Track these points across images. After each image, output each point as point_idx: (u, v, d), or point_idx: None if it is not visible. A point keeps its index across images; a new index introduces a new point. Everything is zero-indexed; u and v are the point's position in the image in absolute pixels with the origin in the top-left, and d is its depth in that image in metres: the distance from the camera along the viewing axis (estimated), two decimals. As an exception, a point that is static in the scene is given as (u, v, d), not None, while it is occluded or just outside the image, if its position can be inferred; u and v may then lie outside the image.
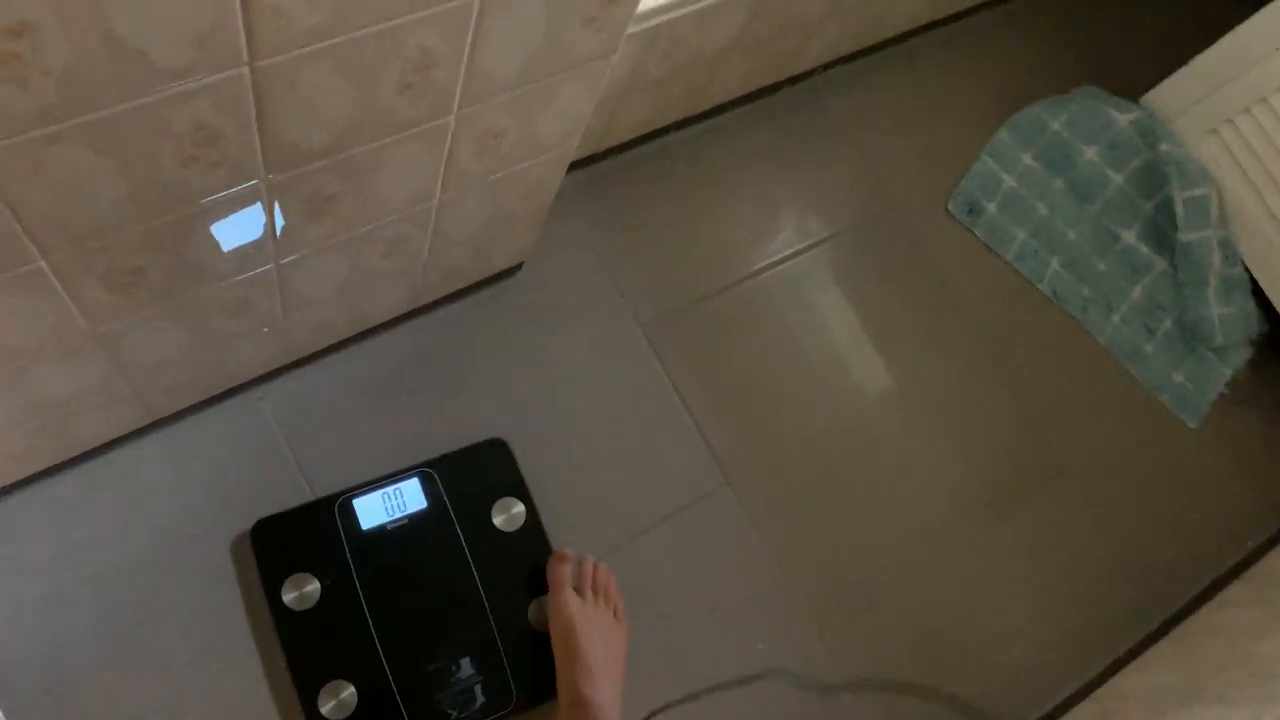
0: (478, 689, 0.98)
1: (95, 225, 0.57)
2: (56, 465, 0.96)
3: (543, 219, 1.04)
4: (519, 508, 1.06)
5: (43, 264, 0.58)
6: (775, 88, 1.34)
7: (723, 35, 1.08)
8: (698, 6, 0.97)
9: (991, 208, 1.38)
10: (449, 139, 0.70)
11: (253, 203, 0.62)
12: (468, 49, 0.58)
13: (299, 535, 1.00)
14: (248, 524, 0.99)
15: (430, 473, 1.05)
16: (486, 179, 0.84)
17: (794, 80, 1.35)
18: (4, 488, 0.94)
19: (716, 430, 1.18)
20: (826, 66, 1.37)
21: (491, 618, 1.01)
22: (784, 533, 1.16)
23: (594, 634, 0.97)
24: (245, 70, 0.50)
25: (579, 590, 1.00)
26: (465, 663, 0.99)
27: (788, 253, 1.29)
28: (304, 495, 1.03)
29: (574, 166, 1.19)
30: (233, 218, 0.64)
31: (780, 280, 1.28)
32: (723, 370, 1.21)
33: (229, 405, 1.03)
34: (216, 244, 0.67)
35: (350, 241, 0.80)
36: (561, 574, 1.01)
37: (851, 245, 1.32)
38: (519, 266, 1.15)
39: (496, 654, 1.00)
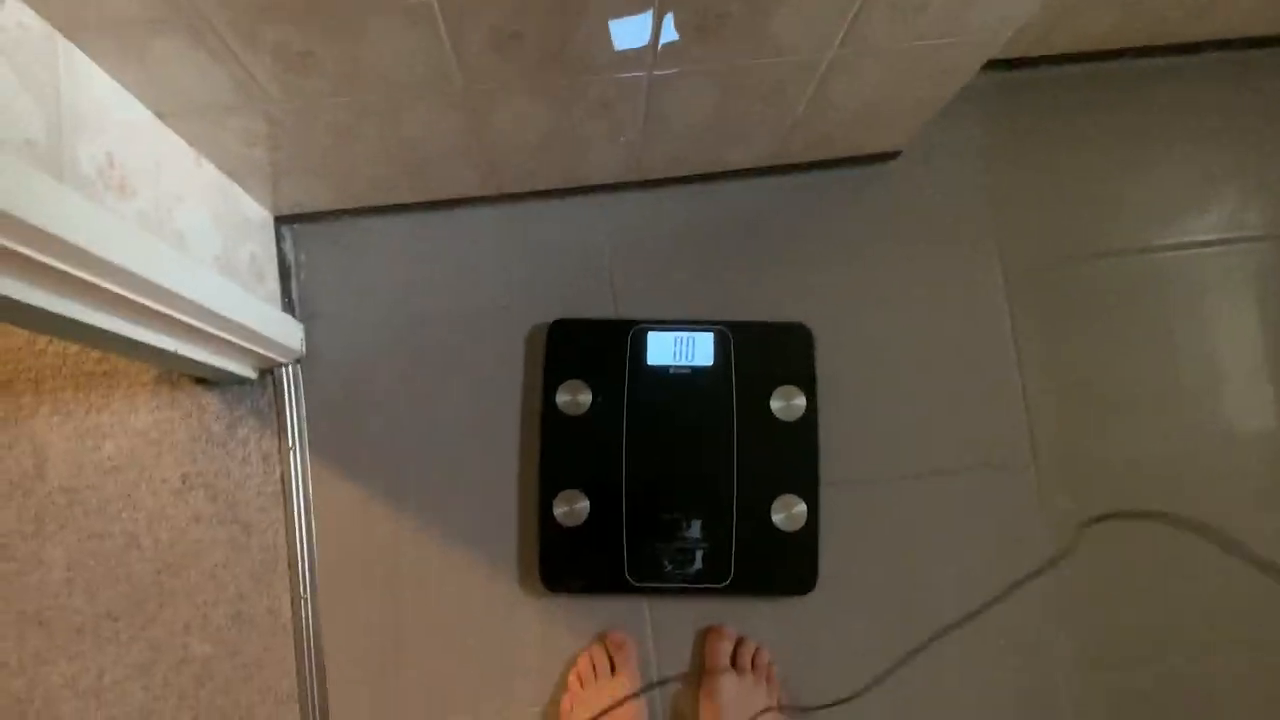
0: (699, 554, 0.97)
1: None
2: (411, 204, 1.02)
3: (937, 110, 0.92)
4: (800, 400, 1.01)
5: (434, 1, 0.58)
6: (1270, 41, 1.08)
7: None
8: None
9: None
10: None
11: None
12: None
13: (590, 346, 1.01)
14: (550, 317, 1.02)
15: (727, 333, 1.01)
16: (892, 46, 0.74)
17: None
18: (370, 208, 1.03)
19: (1045, 407, 1.03)
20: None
21: (736, 495, 0.98)
22: (1074, 542, 1.01)
23: (744, 713, 0.90)
24: None
25: (738, 668, 0.94)
26: (696, 525, 0.98)
27: (1206, 239, 1.08)
28: (607, 310, 1.04)
29: (992, 64, 1.04)
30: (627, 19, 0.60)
31: (1184, 267, 1.07)
32: (1077, 346, 1.05)
33: (571, 203, 1.05)
34: (604, 36, 0.64)
35: (728, 72, 0.75)
36: (720, 651, 0.95)
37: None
38: (895, 154, 1.05)
39: (728, 530, 0.98)
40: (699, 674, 0.97)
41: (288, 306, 1.01)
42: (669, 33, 0.65)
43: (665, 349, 1.01)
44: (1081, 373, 1.04)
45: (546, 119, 0.81)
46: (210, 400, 1.01)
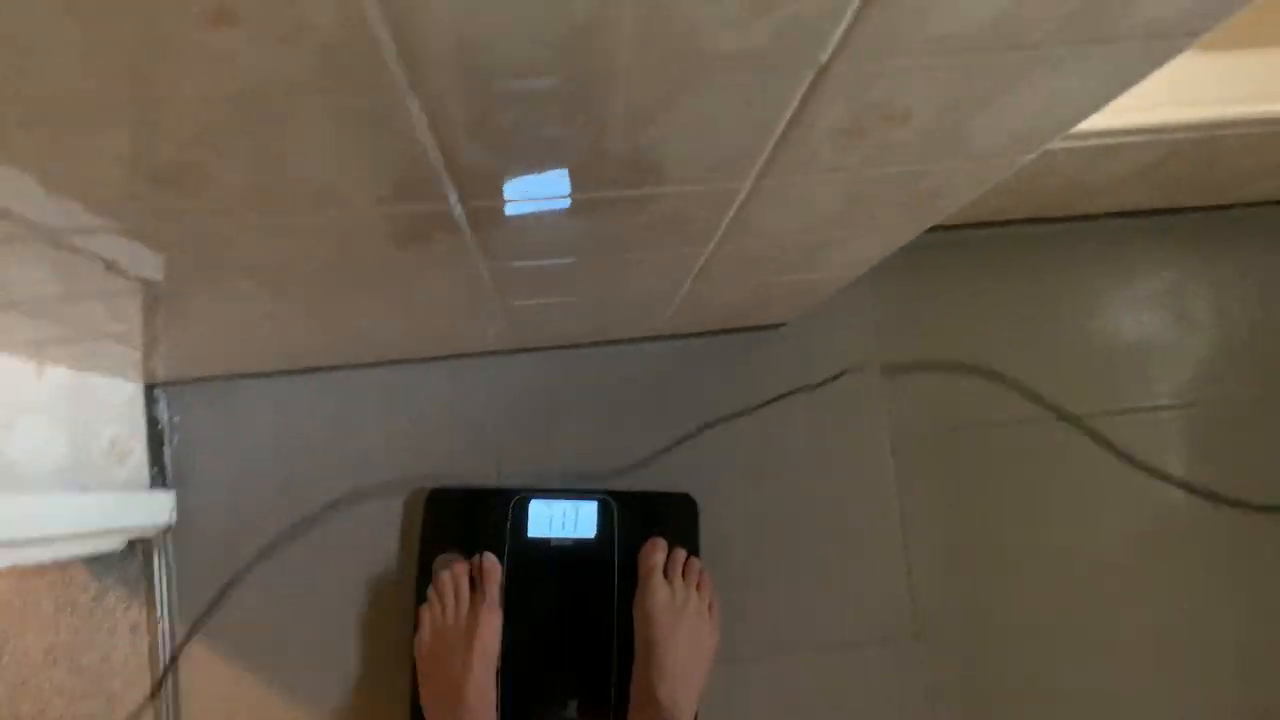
0: (575, 736, 0.96)
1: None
2: (290, 369, 1.00)
3: (826, 297, 0.92)
4: (704, 572, 1.00)
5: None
6: (1174, 210, 1.09)
7: (1119, 169, 0.87)
8: (1102, 143, 0.78)
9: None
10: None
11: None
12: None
13: (469, 515, 0.99)
14: (431, 482, 1.00)
15: (611, 503, 1.00)
16: (753, 283, 0.73)
17: (1207, 209, 1.09)
18: (241, 374, 1.00)
19: (929, 578, 1.03)
20: (1248, 205, 1.09)
21: (616, 674, 0.97)
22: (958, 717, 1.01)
23: (677, 629, 0.91)
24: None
25: (669, 577, 0.94)
26: (573, 705, 0.96)
27: (1111, 408, 1.08)
28: (490, 475, 1.02)
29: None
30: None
31: (1086, 437, 1.07)
32: (966, 516, 1.05)
33: (454, 366, 1.03)
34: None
35: (597, 306, 0.74)
36: (654, 560, 0.95)
37: (1195, 427, 1.08)
38: (782, 324, 1.04)
39: (606, 712, 0.96)
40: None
41: (159, 474, 0.98)
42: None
43: (547, 520, 1.00)
44: (969, 541, 1.04)
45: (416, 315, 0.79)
46: (76, 570, 0.98)
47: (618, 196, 0.49)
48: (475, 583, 0.95)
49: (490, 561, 0.96)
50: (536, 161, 0.42)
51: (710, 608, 0.95)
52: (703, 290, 0.76)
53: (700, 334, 1.04)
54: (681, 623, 0.92)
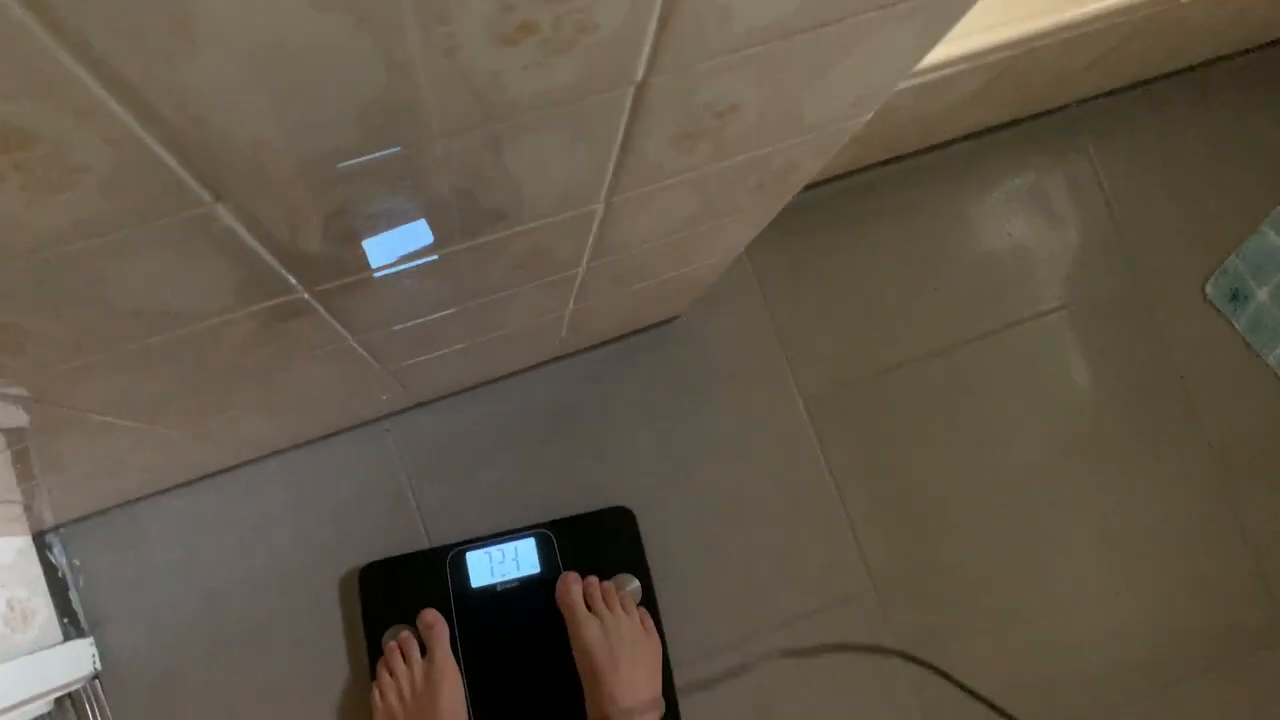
0: (556, 780, 0.94)
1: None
2: (185, 481, 0.96)
3: (709, 285, 0.91)
4: (634, 585, 0.99)
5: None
6: (1017, 121, 1.12)
7: (955, 97, 0.89)
8: (929, 79, 0.79)
9: (1262, 295, 1.13)
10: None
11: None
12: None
13: (406, 584, 0.97)
14: (360, 560, 0.97)
15: (549, 535, 0.98)
16: (624, 292, 0.72)
17: (1043, 114, 1.13)
18: (138, 497, 0.95)
19: (873, 533, 1.04)
20: (1084, 101, 1.13)
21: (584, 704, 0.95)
22: (930, 657, 1.03)
23: (617, 657, 0.90)
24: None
25: (593, 608, 0.93)
26: (550, 748, 0.95)
27: (1000, 324, 1.10)
28: (419, 538, 0.99)
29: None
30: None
31: (984, 357, 1.09)
32: (892, 462, 1.06)
33: (354, 436, 1.00)
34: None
35: (475, 348, 0.72)
36: (573, 596, 0.94)
37: (1080, 324, 1.11)
38: (674, 318, 1.04)
39: (584, 745, 0.95)
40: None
41: (70, 624, 0.92)
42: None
43: (487, 567, 0.97)
44: (902, 486, 1.06)
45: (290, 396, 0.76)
46: (5, 744, 0.91)
47: (470, 247, 0.47)
48: (423, 646, 0.93)
49: (432, 616, 0.93)
50: (374, 235, 0.40)
51: (644, 622, 0.94)
52: (587, 308, 0.75)
53: (598, 345, 1.02)
54: (620, 649, 0.91)
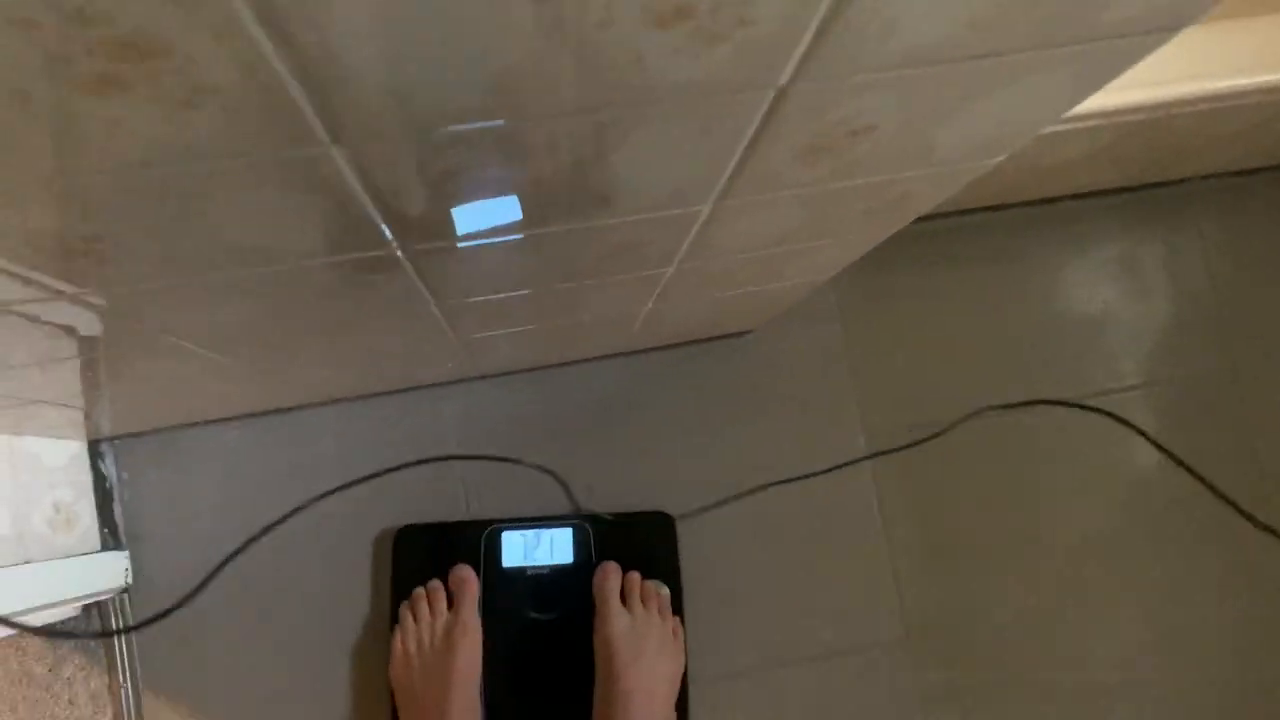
0: (562, 769, 0.93)
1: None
2: (241, 414, 0.96)
3: (792, 305, 0.89)
4: (664, 592, 0.97)
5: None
6: (1130, 189, 1.08)
7: (1077, 152, 0.86)
8: (1054, 130, 0.76)
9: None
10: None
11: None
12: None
13: (440, 551, 0.96)
14: (397, 521, 0.97)
15: (586, 527, 0.97)
16: (713, 297, 0.71)
17: (1159, 184, 1.08)
18: (193, 423, 0.96)
19: (915, 582, 1.01)
20: (1206, 176, 1.08)
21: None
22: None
23: (639, 658, 0.88)
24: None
25: (627, 604, 0.91)
26: (559, 738, 0.94)
27: (1078, 393, 1.06)
28: (458, 509, 0.99)
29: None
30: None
31: (1057, 422, 1.06)
32: (946, 513, 1.03)
33: (411, 398, 0.99)
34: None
35: (551, 331, 0.71)
36: (611, 584, 0.92)
37: (1161, 404, 1.07)
38: (748, 331, 1.02)
39: (594, 741, 0.93)
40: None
41: (110, 534, 0.94)
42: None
43: (521, 549, 0.97)
44: (953, 541, 1.03)
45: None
46: (30, 640, 0.93)
47: (568, 230, 0.46)
48: (450, 601, 0.92)
49: (466, 571, 0.92)
50: (479, 203, 0.39)
51: (674, 632, 0.92)
52: (666, 309, 0.73)
53: (666, 347, 1.01)
54: (644, 650, 0.89)
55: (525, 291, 0.59)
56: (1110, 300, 1.08)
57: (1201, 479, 1.05)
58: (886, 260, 1.02)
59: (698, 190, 0.43)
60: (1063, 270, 1.08)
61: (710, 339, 1.01)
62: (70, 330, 0.49)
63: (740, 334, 1.02)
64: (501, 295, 0.59)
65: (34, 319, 0.46)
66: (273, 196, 0.34)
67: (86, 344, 0.55)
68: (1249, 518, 1.05)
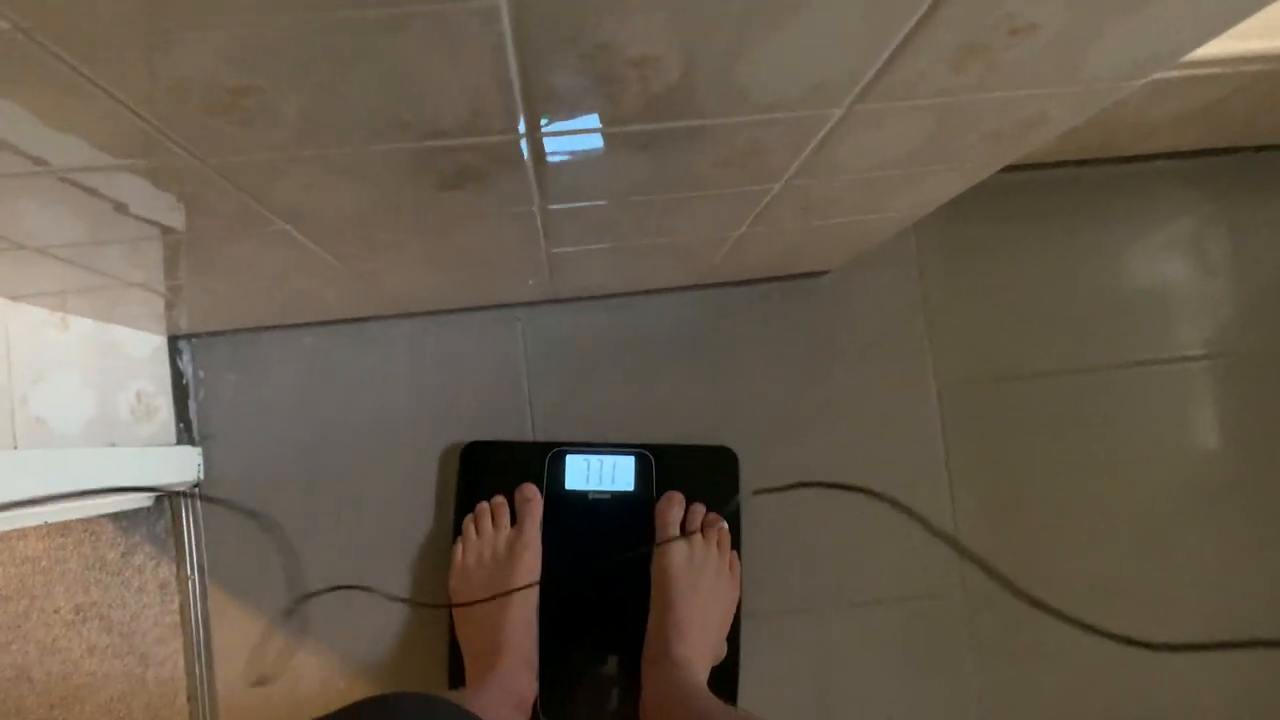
0: (614, 693, 0.94)
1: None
2: (319, 320, 0.97)
3: (870, 247, 0.88)
4: (724, 527, 0.97)
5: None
6: (1228, 150, 1.05)
7: (1183, 105, 0.83)
8: (1169, 75, 0.74)
9: None
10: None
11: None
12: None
13: (504, 469, 0.97)
14: (464, 437, 0.98)
15: (649, 457, 0.98)
16: (800, 226, 0.70)
17: (1259, 148, 1.05)
18: (271, 325, 0.97)
19: (976, 534, 1.01)
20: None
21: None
22: (1002, 673, 1.00)
23: (696, 587, 0.89)
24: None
25: (687, 534, 0.92)
26: (613, 661, 0.95)
27: (1149, 357, 1.04)
28: (525, 428, 0.99)
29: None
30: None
31: (1126, 386, 1.04)
32: (1011, 468, 1.02)
33: (486, 316, 1.00)
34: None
35: (632, 250, 0.70)
36: (673, 514, 0.93)
37: (1242, 374, 1.04)
38: (825, 271, 1.00)
39: (644, 668, 0.94)
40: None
41: (184, 430, 0.96)
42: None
43: (584, 473, 0.97)
44: (1016, 496, 1.02)
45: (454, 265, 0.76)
46: (104, 526, 0.95)
47: (697, 127, 0.45)
48: (514, 517, 0.93)
49: (531, 490, 0.94)
50: (619, 84, 0.39)
51: (731, 566, 0.93)
52: (758, 234, 0.72)
53: (741, 283, 1.00)
54: (701, 581, 0.90)
55: (630, 198, 0.58)
56: (1187, 266, 1.06)
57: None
58: (966, 212, 1.00)
59: (837, 88, 0.42)
60: (1144, 233, 1.06)
61: (787, 277, 1.00)
62: (183, 202, 0.49)
63: (817, 274, 1.01)
64: (604, 202, 0.59)
65: (159, 185, 0.46)
66: (432, 61, 0.34)
67: (195, 223, 0.55)
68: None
